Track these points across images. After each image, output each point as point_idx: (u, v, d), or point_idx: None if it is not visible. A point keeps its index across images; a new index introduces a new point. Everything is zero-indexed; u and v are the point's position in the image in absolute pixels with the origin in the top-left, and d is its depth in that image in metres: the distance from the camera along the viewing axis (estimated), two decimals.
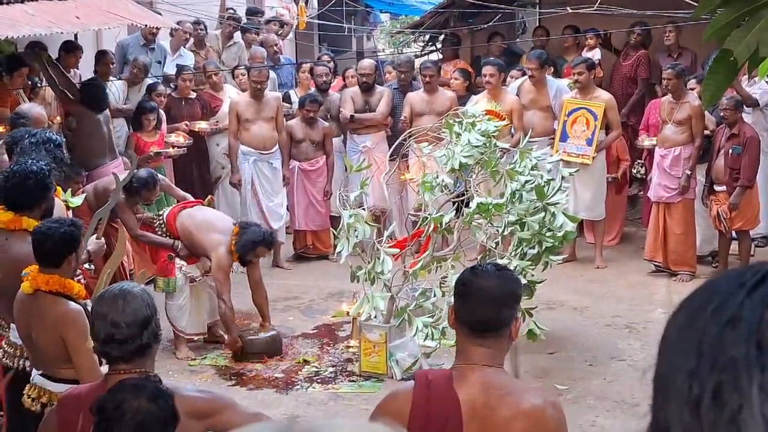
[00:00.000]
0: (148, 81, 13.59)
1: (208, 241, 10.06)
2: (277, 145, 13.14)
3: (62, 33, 11.84)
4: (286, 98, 14.43)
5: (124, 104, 13.17)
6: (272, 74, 14.74)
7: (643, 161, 13.39)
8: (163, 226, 10.26)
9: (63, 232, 6.02)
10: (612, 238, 13.77)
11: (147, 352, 4.40)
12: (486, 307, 3.90)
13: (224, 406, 4.46)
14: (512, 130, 12.67)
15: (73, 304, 5.95)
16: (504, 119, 12.08)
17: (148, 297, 4.49)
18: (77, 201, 8.73)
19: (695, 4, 10.28)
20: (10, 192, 6.84)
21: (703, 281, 1.36)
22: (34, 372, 6.11)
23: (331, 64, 14.99)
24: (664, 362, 1.33)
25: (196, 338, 10.50)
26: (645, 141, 12.91)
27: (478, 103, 12.56)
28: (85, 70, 13.45)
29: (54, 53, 12.78)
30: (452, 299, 4.13)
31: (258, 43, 16.43)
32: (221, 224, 10.26)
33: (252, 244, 9.98)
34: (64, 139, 10.64)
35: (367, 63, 14.65)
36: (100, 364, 5.76)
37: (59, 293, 5.96)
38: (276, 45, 16.46)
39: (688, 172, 12.07)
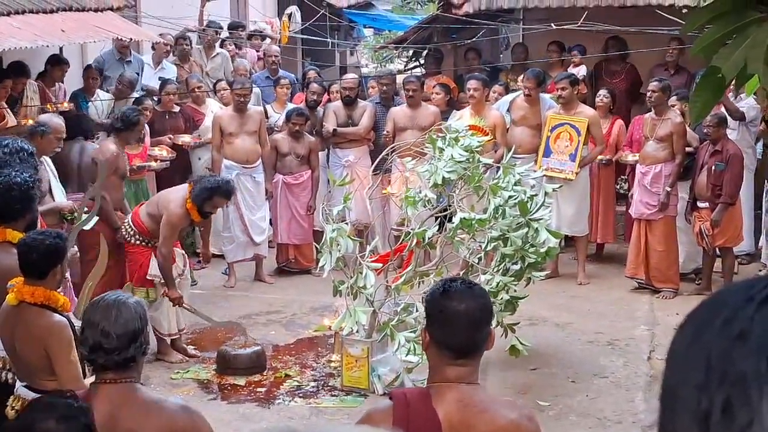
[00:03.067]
0: (135, 95, 13.60)
1: (165, 206, 10.11)
2: (260, 159, 13.12)
3: (47, 46, 11.82)
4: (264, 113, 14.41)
5: (107, 119, 13.12)
6: (255, 88, 14.73)
7: (626, 177, 13.40)
8: (130, 229, 10.27)
9: (48, 245, 5.99)
10: (596, 240, 13.78)
11: (131, 364, 4.40)
12: (466, 331, 3.90)
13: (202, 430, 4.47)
14: (495, 146, 12.68)
15: (57, 316, 5.93)
16: (487, 134, 12.11)
17: (142, 310, 4.53)
18: (90, 223, 8.75)
19: (680, 21, 10.32)
20: None
21: (710, 294, 1.36)
22: (18, 383, 6.08)
23: (322, 82, 14.99)
24: (672, 375, 1.32)
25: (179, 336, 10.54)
26: (628, 157, 12.93)
27: (462, 118, 12.56)
28: (69, 83, 13.43)
29: (39, 67, 12.77)
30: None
31: (254, 54, 16.50)
32: (176, 190, 10.39)
33: (208, 192, 10.00)
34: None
35: (350, 76, 14.67)
36: (84, 374, 5.75)
37: (44, 305, 5.94)
38: (276, 56, 16.45)
39: (669, 189, 12.09)
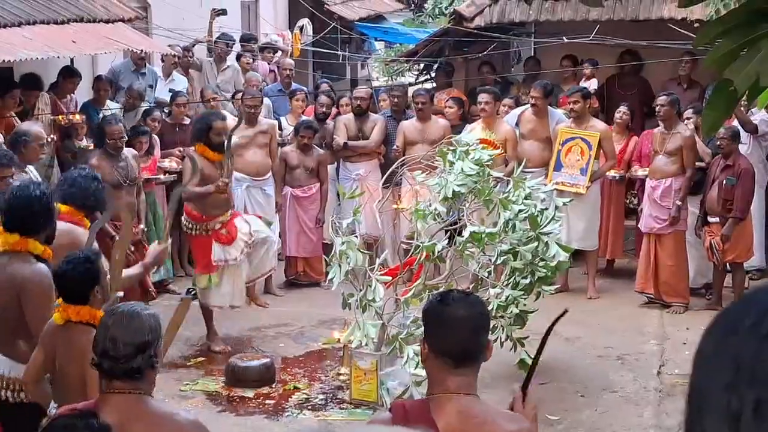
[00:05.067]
0: (144, 106, 13.61)
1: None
2: (270, 172, 13.11)
3: (58, 57, 11.83)
4: (278, 125, 14.40)
5: None
6: (266, 101, 14.70)
7: (635, 191, 13.37)
8: (188, 223, 11.01)
9: (81, 271, 5.97)
10: (607, 255, 13.73)
11: (137, 376, 4.39)
12: (464, 335, 3.95)
13: None
14: (506, 159, 12.66)
15: None
16: (498, 148, 12.08)
17: (155, 323, 4.53)
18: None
19: (692, 35, 10.31)
20: (15, 216, 6.75)
21: (743, 296, 1.34)
22: (52, 404, 6.05)
23: (331, 93, 14.98)
24: (700, 376, 1.31)
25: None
26: (638, 171, 12.90)
27: (473, 131, 12.55)
28: (79, 94, 13.43)
29: (51, 78, 12.77)
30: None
31: (265, 67, 16.56)
32: None
33: (202, 123, 10.91)
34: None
35: (362, 88, 14.69)
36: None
37: (89, 324, 5.93)
38: (290, 70, 16.47)
39: (679, 203, 12.05)
